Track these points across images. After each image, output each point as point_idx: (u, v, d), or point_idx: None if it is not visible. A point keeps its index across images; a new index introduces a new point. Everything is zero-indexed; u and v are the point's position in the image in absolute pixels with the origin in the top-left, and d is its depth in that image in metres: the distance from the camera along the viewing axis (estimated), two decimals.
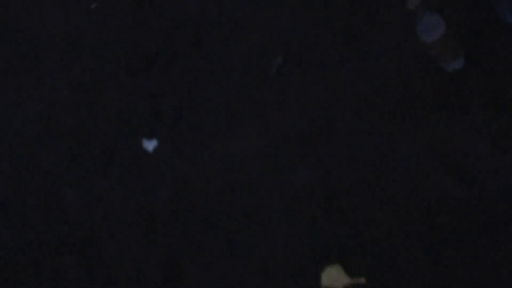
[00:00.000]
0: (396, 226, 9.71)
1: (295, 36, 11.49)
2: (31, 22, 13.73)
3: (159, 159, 11.70)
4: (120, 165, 11.89)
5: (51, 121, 12.79)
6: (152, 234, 11.23)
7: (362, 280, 9.56)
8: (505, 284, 8.73)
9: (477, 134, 9.56)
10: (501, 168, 9.23)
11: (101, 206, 11.82)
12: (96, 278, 11.39)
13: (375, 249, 9.76)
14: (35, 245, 12.14)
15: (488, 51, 9.88)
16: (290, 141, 10.79)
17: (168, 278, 10.86)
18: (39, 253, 12.00)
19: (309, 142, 10.60)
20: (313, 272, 9.95)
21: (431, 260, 9.37)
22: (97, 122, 12.35)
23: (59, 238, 11.95)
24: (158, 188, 11.46)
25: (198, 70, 12.02)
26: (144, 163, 11.76)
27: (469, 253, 9.14)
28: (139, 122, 12.05)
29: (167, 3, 12.68)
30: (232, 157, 10.98)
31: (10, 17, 13.93)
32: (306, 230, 10.25)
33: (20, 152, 12.72)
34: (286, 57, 11.41)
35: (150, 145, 11.73)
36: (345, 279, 9.57)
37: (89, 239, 11.60)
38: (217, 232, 10.79)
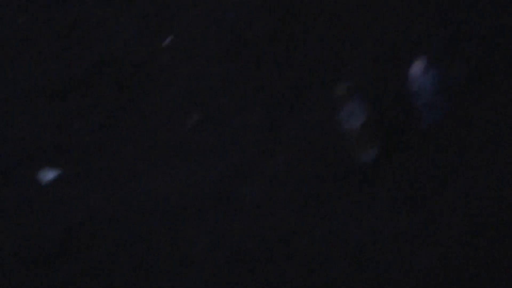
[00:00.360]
0: None
1: (217, 96, 11.36)
2: None
3: (56, 190, 11.37)
4: (12, 193, 11.50)
5: None
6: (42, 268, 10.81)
7: None
8: None
9: (380, 226, 9.49)
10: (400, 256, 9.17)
11: None
12: None
13: None
14: None
15: (402, 149, 10.11)
16: (192, 200, 10.62)
17: None
18: None
19: (211, 205, 10.42)
20: None
21: None
22: None
23: None
24: (48, 222, 11.07)
25: (116, 108, 11.81)
26: (37, 193, 11.39)
27: None
28: (43, 149, 11.70)
29: (96, 37, 12.46)
30: (130, 202, 10.73)
31: None
32: None
33: None
34: (204, 114, 11.25)
35: (48, 175, 11.35)
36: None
37: None
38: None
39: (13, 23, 12.90)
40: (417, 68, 9.76)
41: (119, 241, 10.56)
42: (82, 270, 10.56)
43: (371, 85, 10.76)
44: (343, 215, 9.90)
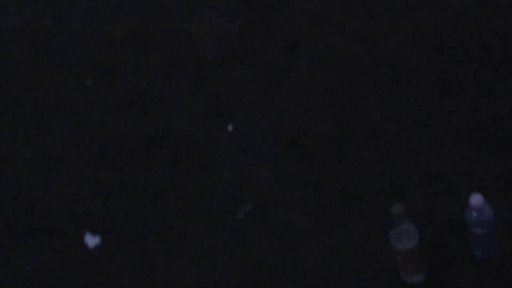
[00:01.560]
0: None
1: (268, 191, 11.41)
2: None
3: (95, 258, 11.44)
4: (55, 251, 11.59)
5: None
6: None
7: None
8: None
9: None
10: None
11: None
12: None
13: None
14: None
15: (450, 276, 10.25)
16: None
17: None
18: None
19: None
20: None
21: None
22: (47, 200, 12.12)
23: None
24: None
25: (167, 185, 11.89)
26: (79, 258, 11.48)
27: None
28: (87, 214, 11.80)
29: (158, 111, 12.59)
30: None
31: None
32: None
33: None
34: (256, 205, 11.32)
35: (90, 241, 11.44)
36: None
37: None
38: None
39: (81, 84, 13.06)
40: (474, 200, 9.72)
41: None
42: None
43: (426, 209, 10.75)
44: None
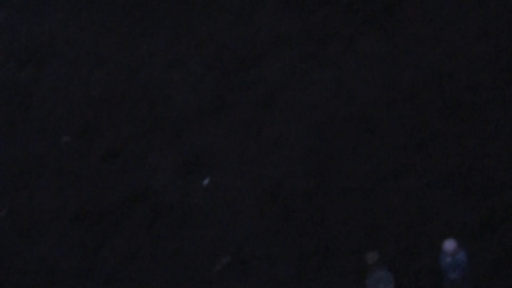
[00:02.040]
0: None
1: (247, 244, 11.43)
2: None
3: None
4: None
5: None
6: None
7: None
8: None
9: None
10: None
11: None
12: None
13: None
14: None
15: None
16: None
17: None
18: None
19: None
20: None
21: None
22: None
23: None
24: None
25: (145, 242, 11.90)
26: None
27: None
28: (66, 272, 11.74)
29: (134, 169, 12.63)
30: None
31: None
32: None
33: None
34: (234, 257, 11.29)
35: None
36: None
37: None
38: None
39: (57, 141, 13.13)
40: (448, 245, 9.80)
41: None
42: None
43: (401, 256, 10.84)
44: None
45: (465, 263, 10.04)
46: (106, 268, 11.69)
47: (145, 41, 13.98)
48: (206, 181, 12.08)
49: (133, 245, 11.80)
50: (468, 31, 12.87)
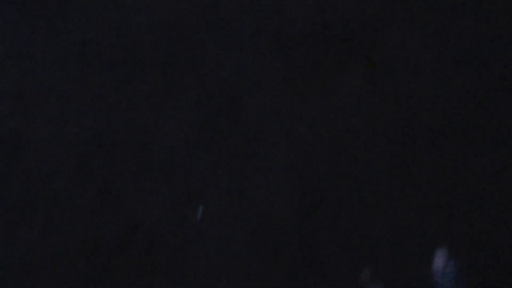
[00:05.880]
0: None
1: (243, 271, 11.56)
2: None
3: None
4: None
5: None
6: None
7: None
8: None
9: None
10: None
11: None
12: None
13: None
14: None
15: None
16: None
17: None
18: None
19: None
20: None
21: None
22: None
23: None
24: None
25: (142, 275, 11.99)
26: None
27: None
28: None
29: (128, 204, 12.82)
30: None
31: None
32: None
33: None
34: (230, 283, 11.48)
35: None
36: None
37: None
38: None
39: (52, 187, 13.38)
40: (438, 260, 10.13)
41: None
42: None
43: (393, 271, 11.13)
44: None
45: (456, 274, 10.35)
46: None
47: (133, 84, 14.33)
48: (199, 212, 12.40)
49: (130, 279, 12.00)
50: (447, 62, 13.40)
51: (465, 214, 11.67)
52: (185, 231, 12.53)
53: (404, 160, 12.61)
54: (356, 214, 12.10)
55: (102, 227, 12.87)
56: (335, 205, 12.27)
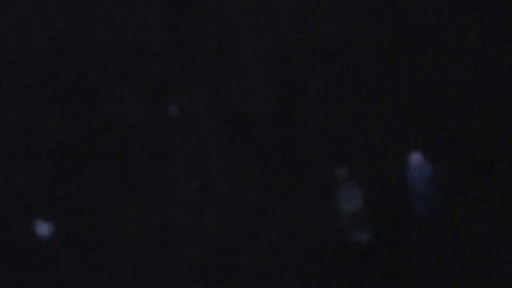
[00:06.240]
0: None
1: (217, 170, 11.75)
2: None
3: (48, 246, 11.58)
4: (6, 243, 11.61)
5: None
6: None
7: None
8: None
9: None
10: None
11: None
12: None
13: None
14: None
15: (395, 234, 10.70)
16: (180, 271, 10.97)
17: None
18: None
19: (198, 276, 10.84)
20: None
21: None
22: None
23: None
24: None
25: (113, 173, 12.17)
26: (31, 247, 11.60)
27: None
28: (37, 204, 11.93)
29: (99, 102, 12.86)
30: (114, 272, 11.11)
31: None
32: None
33: None
34: (204, 184, 11.51)
35: (42, 229, 11.52)
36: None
37: None
38: None
39: (22, 80, 13.11)
40: (414, 158, 10.15)
41: None
42: None
43: (369, 171, 11.25)
44: None
45: (431, 176, 10.42)
46: (75, 201, 11.77)
47: None
48: (173, 109, 12.15)
49: (101, 178, 11.89)
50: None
51: (443, 120, 11.68)
52: (158, 131, 12.40)
53: (382, 65, 12.46)
54: (332, 114, 12.03)
55: (70, 128, 12.68)
56: (310, 105, 12.17)
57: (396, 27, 12.59)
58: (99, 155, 12.22)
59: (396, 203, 10.98)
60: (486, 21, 12.32)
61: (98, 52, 13.30)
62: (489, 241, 10.49)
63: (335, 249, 10.74)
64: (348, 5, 12.94)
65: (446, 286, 10.24)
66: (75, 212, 11.70)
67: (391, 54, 12.37)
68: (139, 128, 12.33)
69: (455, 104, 11.63)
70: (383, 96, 11.98)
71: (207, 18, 13.28)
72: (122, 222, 11.59)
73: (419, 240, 10.63)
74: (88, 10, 13.65)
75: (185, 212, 11.44)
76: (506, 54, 12.02)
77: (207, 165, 11.75)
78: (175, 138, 12.14)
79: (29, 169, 12.23)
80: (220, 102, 12.40)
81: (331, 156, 11.52)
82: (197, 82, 12.68)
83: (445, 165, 11.20)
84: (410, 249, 10.54)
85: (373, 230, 10.78)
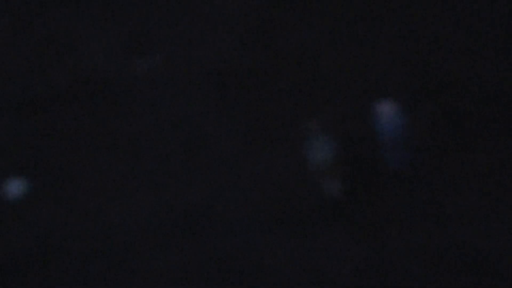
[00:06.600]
0: None
1: (195, 123, 11.96)
2: None
3: (22, 203, 11.64)
4: None
5: None
6: None
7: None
8: None
9: (339, 258, 10.17)
10: None
11: None
12: None
13: None
14: None
15: (366, 186, 10.82)
16: (158, 228, 11.21)
17: None
18: None
19: (176, 233, 11.03)
20: None
21: None
22: None
23: None
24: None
25: (89, 127, 12.02)
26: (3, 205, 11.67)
27: None
28: (10, 161, 11.96)
29: (74, 53, 12.75)
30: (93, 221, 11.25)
31: None
32: None
33: None
34: (185, 136, 11.64)
35: (15, 186, 11.56)
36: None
37: None
38: None
39: None
40: (384, 108, 10.26)
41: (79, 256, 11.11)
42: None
43: (340, 122, 11.37)
44: (306, 245, 10.54)
45: (401, 124, 10.47)
46: (49, 157, 11.83)
47: None
48: (148, 62, 12.15)
49: (76, 132, 11.84)
50: None
51: (415, 67, 11.70)
52: (134, 81, 12.38)
53: (356, 12, 12.42)
54: (306, 60, 12.05)
55: (46, 78, 12.57)
56: (287, 51, 12.19)
57: None
58: (73, 108, 12.14)
59: (367, 153, 10.99)
60: None
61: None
62: (461, 190, 10.62)
63: (306, 201, 10.87)
64: None
65: (416, 236, 10.41)
66: (47, 168, 11.76)
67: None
68: (113, 80, 12.19)
69: (430, 53, 11.71)
70: (356, 45, 12.05)
71: None
72: (96, 176, 11.57)
73: (389, 192, 10.66)
74: None
75: (162, 165, 11.46)
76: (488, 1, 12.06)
77: (185, 117, 11.79)
78: (152, 90, 12.06)
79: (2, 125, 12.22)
80: (196, 50, 12.24)
81: (302, 106, 11.55)
82: (173, 33, 12.65)
83: (417, 116, 11.20)
84: (382, 200, 10.62)
85: (345, 180, 10.81)
